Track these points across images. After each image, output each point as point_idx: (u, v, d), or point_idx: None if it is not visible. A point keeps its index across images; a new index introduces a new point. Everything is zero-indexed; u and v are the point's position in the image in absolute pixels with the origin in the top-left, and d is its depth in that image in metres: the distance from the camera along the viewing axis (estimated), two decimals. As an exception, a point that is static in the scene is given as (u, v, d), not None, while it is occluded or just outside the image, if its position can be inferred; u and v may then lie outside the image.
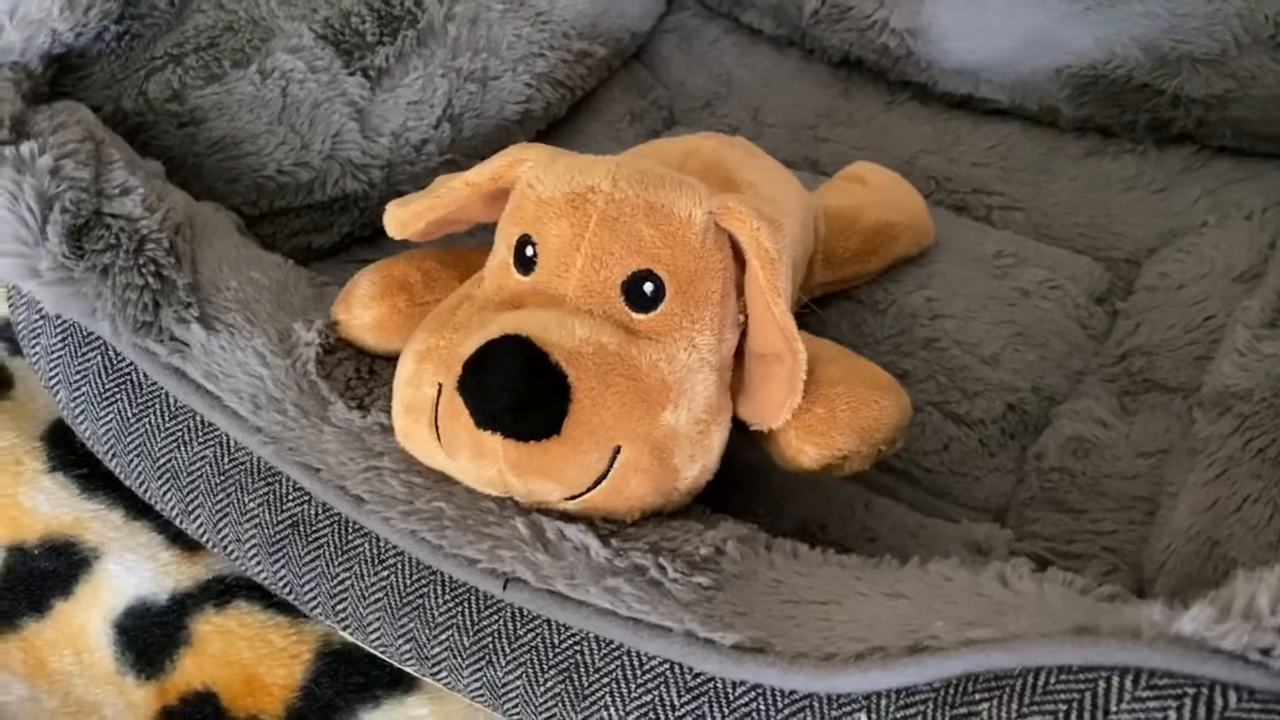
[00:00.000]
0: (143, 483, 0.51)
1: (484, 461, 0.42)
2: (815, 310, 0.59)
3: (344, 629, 0.47)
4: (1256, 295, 0.52)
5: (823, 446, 0.45)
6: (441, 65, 0.64)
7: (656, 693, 0.39)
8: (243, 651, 0.52)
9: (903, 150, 0.73)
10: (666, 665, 0.40)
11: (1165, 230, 0.65)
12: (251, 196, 0.59)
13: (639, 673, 0.40)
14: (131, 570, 0.55)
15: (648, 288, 0.43)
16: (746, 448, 0.48)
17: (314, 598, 0.47)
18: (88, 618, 0.54)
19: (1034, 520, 0.52)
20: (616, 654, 0.40)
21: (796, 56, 0.80)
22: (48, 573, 0.56)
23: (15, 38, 0.50)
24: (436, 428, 0.43)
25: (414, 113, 0.63)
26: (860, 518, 0.52)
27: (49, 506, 0.57)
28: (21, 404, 0.62)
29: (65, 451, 0.59)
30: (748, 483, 0.51)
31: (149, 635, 0.53)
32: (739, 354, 0.47)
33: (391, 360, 0.48)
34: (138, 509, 0.57)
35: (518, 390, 0.40)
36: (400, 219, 0.49)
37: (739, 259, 0.45)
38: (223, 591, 0.54)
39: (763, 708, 0.37)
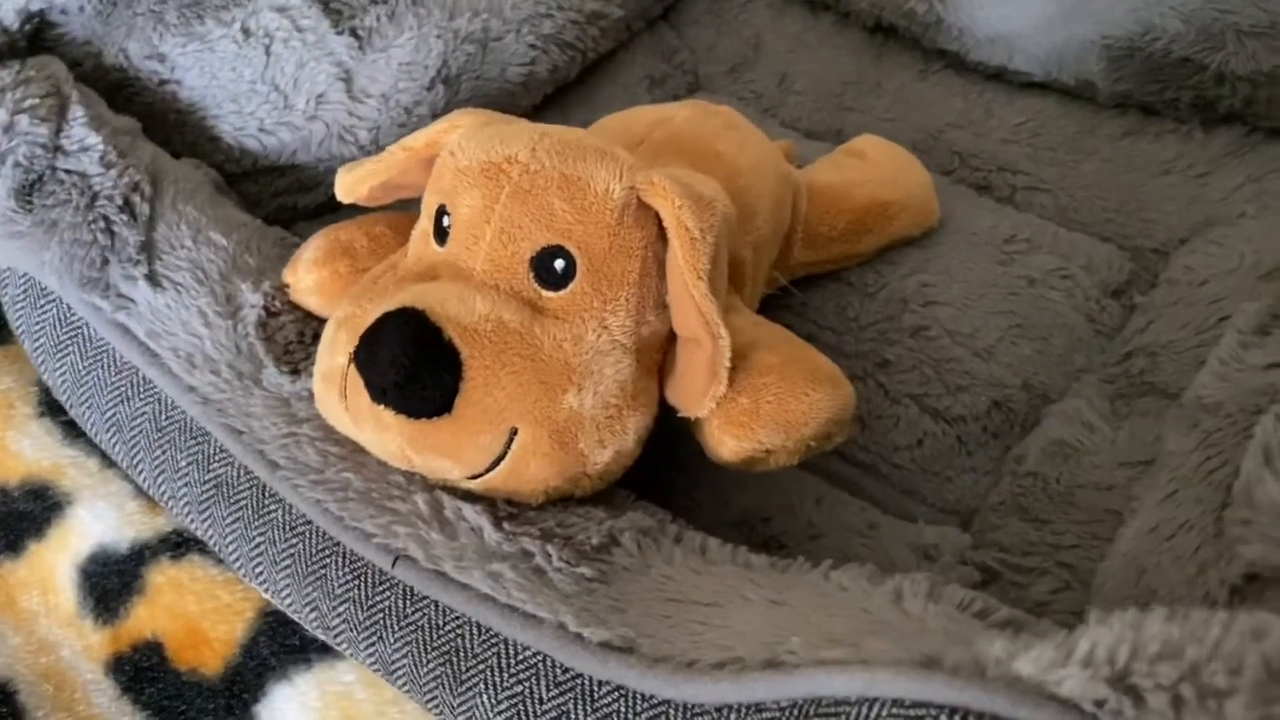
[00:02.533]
0: (95, 434, 0.52)
1: (385, 435, 0.41)
2: (794, 291, 0.56)
3: (262, 590, 0.47)
4: (1262, 297, 0.47)
5: (742, 439, 0.43)
6: (437, 25, 0.63)
7: (527, 685, 0.38)
8: (190, 605, 0.53)
9: (929, 122, 0.69)
10: (539, 657, 0.38)
11: (1200, 219, 0.60)
12: (233, 154, 0.59)
13: (512, 663, 0.39)
14: (99, 517, 0.57)
15: (558, 264, 0.41)
16: (692, 433, 0.46)
17: (236, 558, 0.47)
18: (56, 560, 0.56)
19: (997, 527, 0.49)
20: (494, 642, 0.39)
21: (830, 21, 0.76)
22: (25, 514, 0.58)
23: (-10, -7, 0.51)
24: (346, 397, 0.42)
25: (405, 74, 0.62)
26: (807, 513, 0.49)
27: (32, 450, 0.59)
28: (23, 349, 0.64)
29: (54, 397, 0.61)
30: (693, 468, 0.49)
31: (108, 582, 0.55)
32: (674, 336, 0.45)
33: (337, 325, 0.48)
34: (112, 458, 0.58)
35: (405, 365, 0.39)
36: (346, 183, 0.49)
37: (667, 237, 0.43)
38: (179, 544, 0.55)
39: (624, 710, 0.36)
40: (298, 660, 0.51)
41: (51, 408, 0.61)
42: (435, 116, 0.64)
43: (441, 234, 0.43)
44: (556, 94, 0.71)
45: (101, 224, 0.49)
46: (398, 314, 0.40)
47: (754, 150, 0.53)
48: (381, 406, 0.40)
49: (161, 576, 0.54)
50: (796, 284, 0.57)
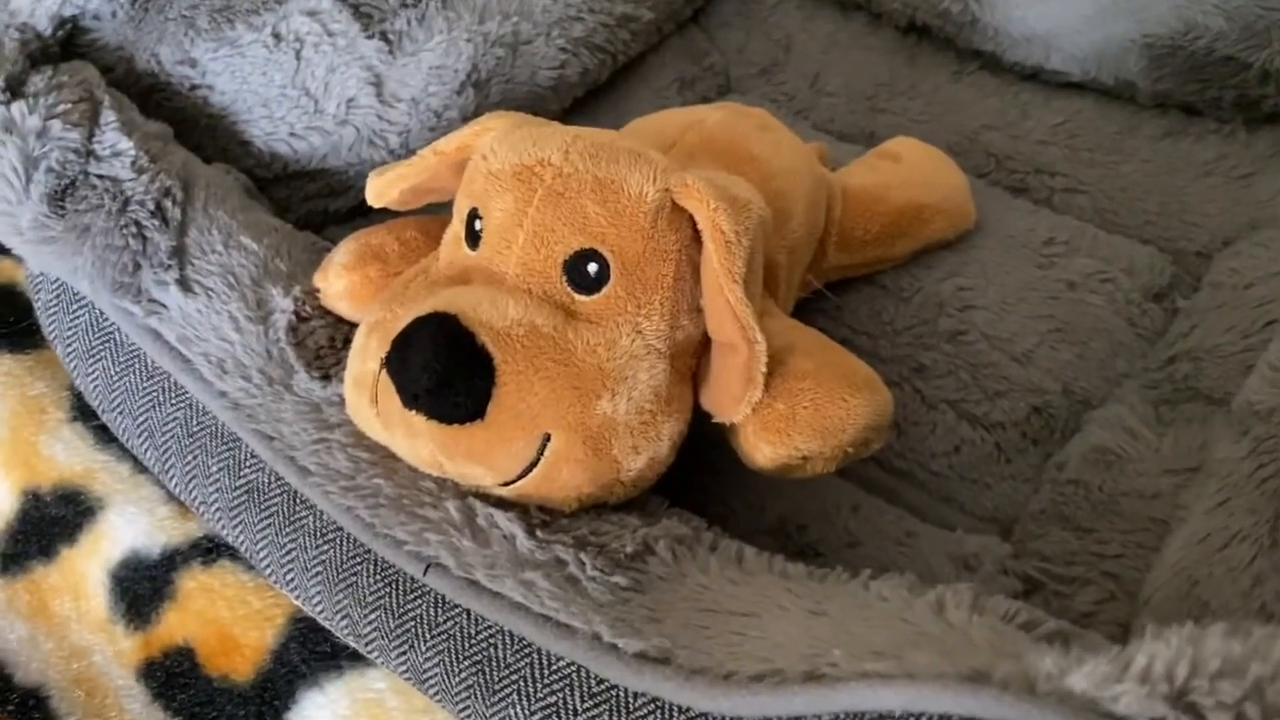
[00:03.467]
0: (127, 439, 0.52)
1: (417, 441, 0.41)
2: (829, 295, 0.55)
3: (294, 597, 0.47)
4: (1313, 300, 0.46)
5: (778, 445, 0.42)
6: (467, 29, 0.63)
7: (560, 695, 0.37)
8: (221, 610, 0.53)
9: (965, 124, 0.68)
10: (573, 668, 0.38)
11: (1244, 221, 0.59)
12: (264, 159, 0.59)
13: (546, 673, 0.38)
14: (131, 522, 0.56)
15: (591, 268, 0.41)
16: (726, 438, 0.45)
17: (267, 565, 0.47)
18: (88, 566, 0.56)
19: (1039, 536, 0.48)
20: (527, 651, 0.39)
21: (862, 21, 0.75)
22: (57, 519, 0.58)
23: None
24: (377, 403, 0.42)
25: (435, 78, 0.62)
26: (844, 521, 0.49)
27: (64, 455, 0.59)
28: (56, 355, 0.64)
29: (87, 402, 0.61)
30: (730, 475, 0.49)
31: (139, 587, 0.55)
32: (710, 341, 0.44)
33: (369, 330, 0.47)
34: (143, 463, 0.58)
35: (436, 371, 0.39)
36: (377, 187, 0.49)
37: (701, 240, 0.42)
38: (210, 550, 0.55)
39: (660, 722, 0.35)
40: (329, 667, 0.51)
41: (84, 412, 0.61)
42: (465, 120, 0.64)
43: (474, 238, 0.43)
44: (586, 97, 0.70)
45: (133, 229, 0.49)
46: (430, 318, 0.39)
47: (788, 153, 0.53)
48: (413, 412, 0.40)
49: (193, 582, 0.54)
50: (830, 287, 0.56)
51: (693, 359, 0.44)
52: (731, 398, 0.42)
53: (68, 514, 0.58)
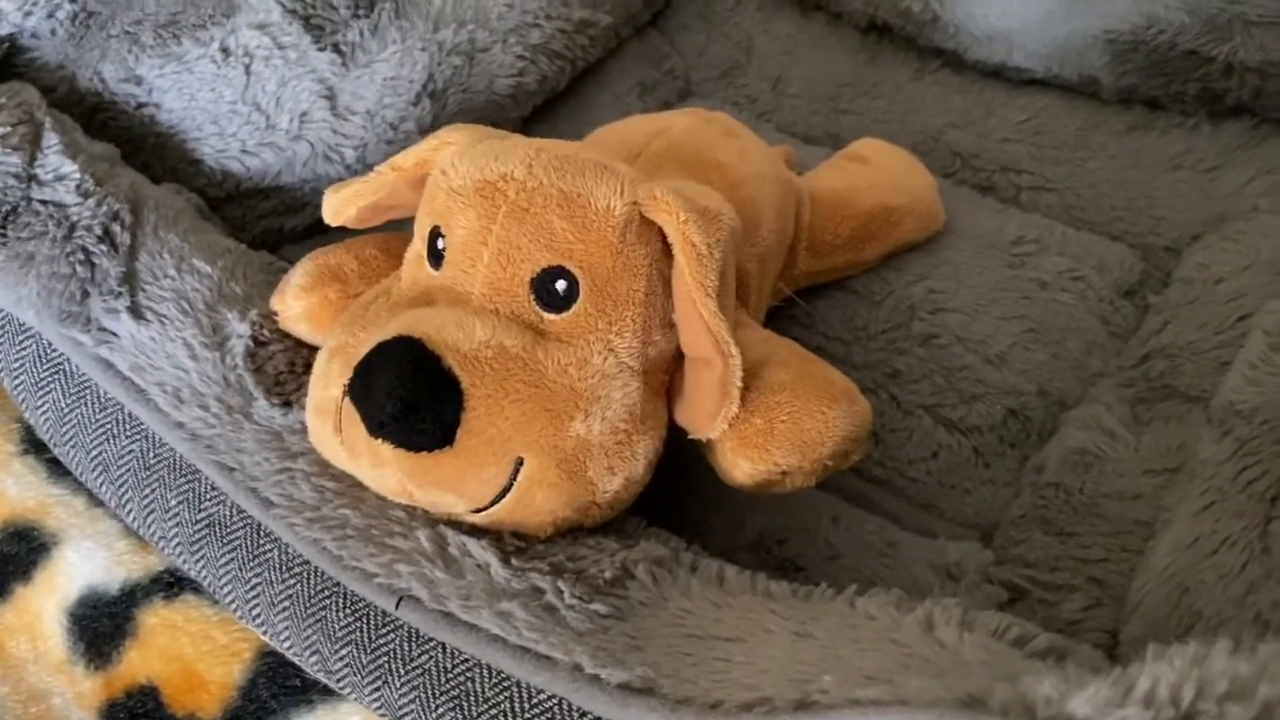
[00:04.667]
0: (80, 473, 0.50)
1: (384, 470, 0.39)
2: (799, 302, 0.54)
3: (261, 633, 0.45)
4: (1287, 295, 0.46)
5: (757, 461, 0.41)
6: (421, 38, 0.61)
7: (542, 729, 0.36)
8: (185, 647, 0.51)
9: (928, 124, 0.67)
10: (554, 701, 0.37)
11: (1212, 215, 0.58)
12: (216, 178, 0.57)
13: (526, 706, 0.37)
14: (87, 558, 0.54)
15: (560, 285, 0.40)
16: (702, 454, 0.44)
17: (231, 600, 0.45)
18: (44, 605, 0.54)
19: (1020, 541, 0.47)
20: (506, 685, 0.38)
21: (822, 22, 0.74)
22: (10, 557, 0.55)
23: (-43, 18, 0.49)
24: (341, 431, 0.41)
25: (390, 89, 0.60)
26: (824, 533, 0.48)
27: (16, 490, 0.57)
28: (2, 387, 0.62)
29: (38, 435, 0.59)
30: (706, 491, 0.47)
31: (99, 625, 0.53)
32: (682, 356, 0.43)
33: (328, 354, 0.46)
34: (99, 498, 0.56)
35: (402, 397, 0.37)
36: (333, 205, 0.47)
37: (671, 253, 0.41)
38: (172, 584, 0.53)
39: (646, 754, 0.34)
40: (299, 702, 0.49)
41: (35, 445, 0.59)
42: (423, 132, 0.63)
43: (436, 256, 0.42)
44: (546, 105, 0.69)
45: (80, 255, 0.47)
46: (394, 342, 0.38)
47: (755, 158, 0.52)
48: (379, 440, 0.38)
49: (155, 618, 0.52)
50: (801, 294, 0.55)
51: (666, 375, 0.43)
52: (707, 414, 0.41)
53: (20, 551, 0.56)
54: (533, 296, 0.40)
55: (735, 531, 0.48)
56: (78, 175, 0.48)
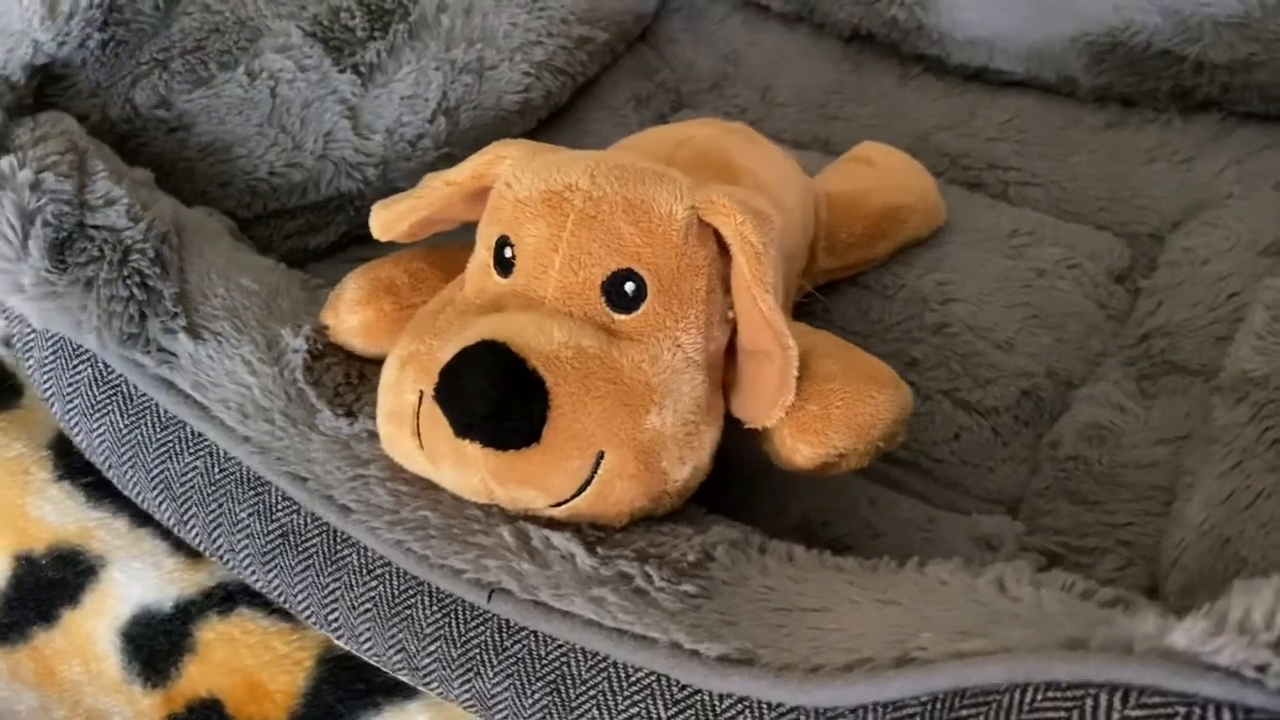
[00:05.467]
0: (139, 493, 0.50)
1: (466, 470, 0.41)
2: (820, 298, 0.57)
3: (337, 638, 0.46)
4: (1277, 271, 0.49)
5: (817, 445, 0.43)
6: (435, 58, 0.63)
7: (643, 705, 0.38)
8: (246, 659, 0.52)
9: (916, 126, 0.71)
10: (653, 677, 0.39)
11: (1190, 202, 0.63)
12: (245, 199, 0.58)
13: (625, 685, 0.39)
14: (136, 578, 0.55)
15: (629, 287, 0.42)
16: (747, 443, 0.47)
17: (307, 607, 0.46)
18: (95, 627, 0.55)
19: (1047, 512, 0.50)
20: (603, 666, 0.39)
21: (806, 33, 0.77)
22: (55, 582, 0.56)
23: (-3, 50, 0.50)
24: (419, 435, 0.42)
25: (408, 108, 0.62)
26: (864, 514, 0.50)
27: (56, 516, 0.57)
28: (30, 412, 0.62)
29: (72, 460, 0.59)
30: (749, 478, 0.50)
31: (154, 643, 0.53)
32: (731, 350, 0.45)
33: (382, 365, 0.47)
34: (142, 517, 0.56)
35: (493, 398, 0.39)
36: (384, 220, 0.48)
37: (726, 253, 0.44)
38: (226, 598, 0.54)
39: (750, 721, 0.36)
40: (365, 705, 0.50)
41: (70, 470, 0.59)
42: (439, 149, 0.65)
43: (504, 264, 0.43)
44: (550, 119, 0.71)
45: (136, 278, 0.48)
46: (479, 347, 0.40)
47: (776, 163, 0.54)
48: (466, 441, 0.40)
49: (211, 633, 0.53)
50: (818, 290, 0.58)
51: (720, 369, 0.45)
52: (767, 403, 0.43)
53: (66, 575, 0.56)
54: (604, 299, 0.42)
55: (779, 516, 0.51)
56: (127, 200, 0.49)
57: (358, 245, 0.64)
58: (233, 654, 0.53)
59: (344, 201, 0.62)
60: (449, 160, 0.64)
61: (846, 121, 0.73)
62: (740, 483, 0.51)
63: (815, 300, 0.58)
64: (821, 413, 0.44)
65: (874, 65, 0.75)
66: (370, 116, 0.61)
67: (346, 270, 0.52)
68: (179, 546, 0.56)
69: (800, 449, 0.44)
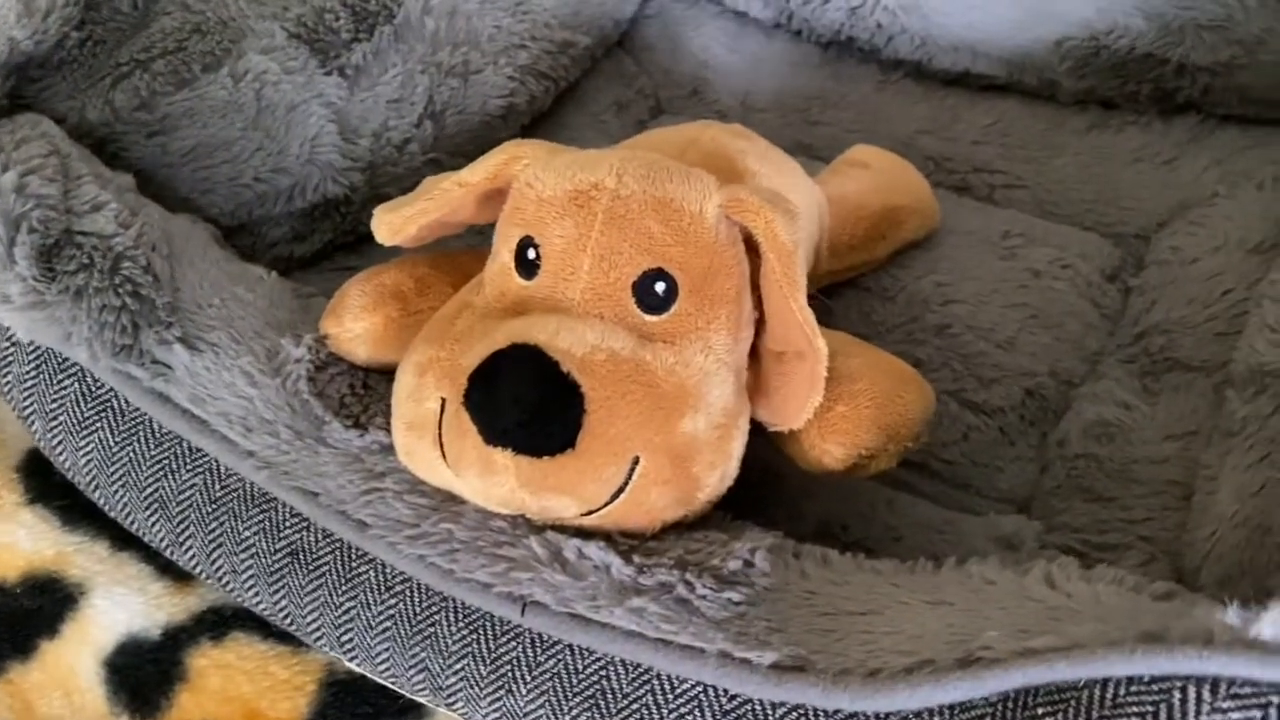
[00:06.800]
0: (129, 514, 0.48)
1: (494, 479, 0.39)
2: (824, 300, 0.57)
3: (350, 660, 0.44)
4: (1270, 269, 0.50)
5: (848, 446, 0.43)
6: (421, 60, 0.61)
7: (690, 717, 0.37)
8: (243, 685, 0.50)
9: (898, 131, 0.71)
10: (700, 688, 0.37)
11: (1175, 203, 0.63)
12: (228, 206, 0.56)
13: (670, 697, 0.38)
14: (120, 605, 0.52)
15: (659, 288, 0.41)
16: (759, 448, 0.46)
17: (318, 629, 0.44)
18: (77, 657, 0.52)
19: (1062, 510, 0.50)
20: (645, 678, 0.38)
21: (785, 39, 0.77)
22: (31, 612, 0.53)
23: (-30, 48, 0.47)
24: (441, 445, 0.41)
25: (394, 111, 0.60)
26: (882, 516, 0.50)
27: (29, 541, 0.54)
28: (-4, 435, 0.59)
29: (43, 482, 0.56)
30: (763, 484, 0.49)
31: (142, 673, 0.51)
32: (753, 353, 0.45)
33: (387, 374, 0.46)
34: (123, 539, 0.54)
35: (529, 403, 0.38)
36: (391, 224, 0.47)
37: (751, 252, 0.43)
38: (218, 623, 0.52)
39: (806, 729, 0.35)
40: (374, 729, 0.49)
41: (43, 493, 0.56)
42: (425, 153, 0.63)
43: (528, 266, 0.42)
44: (532, 124, 0.70)
45: (128, 287, 0.45)
46: (511, 350, 0.38)
47: (781, 165, 0.54)
48: (497, 448, 0.38)
49: (204, 660, 0.51)
50: (820, 293, 0.57)
51: (745, 372, 0.44)
52: (796, 405, 0.42)
53: (43, 604, 0.53)
54: (634, 300, 0.41)
55: (796, 521, 0.50)
56: (114, 205, 0.47)
57: (343, 253, 0.62)
58: (228, 681, 0.50)
59: (330, 208, 0.59)
60: (435, 165, 0.63)
61: (829, 126, 0.72)
62: (752, 491, 0.50)
63: (820, 303, 0.57)
64: (851, 413, 0.43)
65: (853, 71, 0.75)
66: (357, 120, 0.59)
67: (335, 279, 0.50)
68: (165, 570, 0.53)
69: (831, 450, 0.43)
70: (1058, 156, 0.67)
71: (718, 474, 0.42)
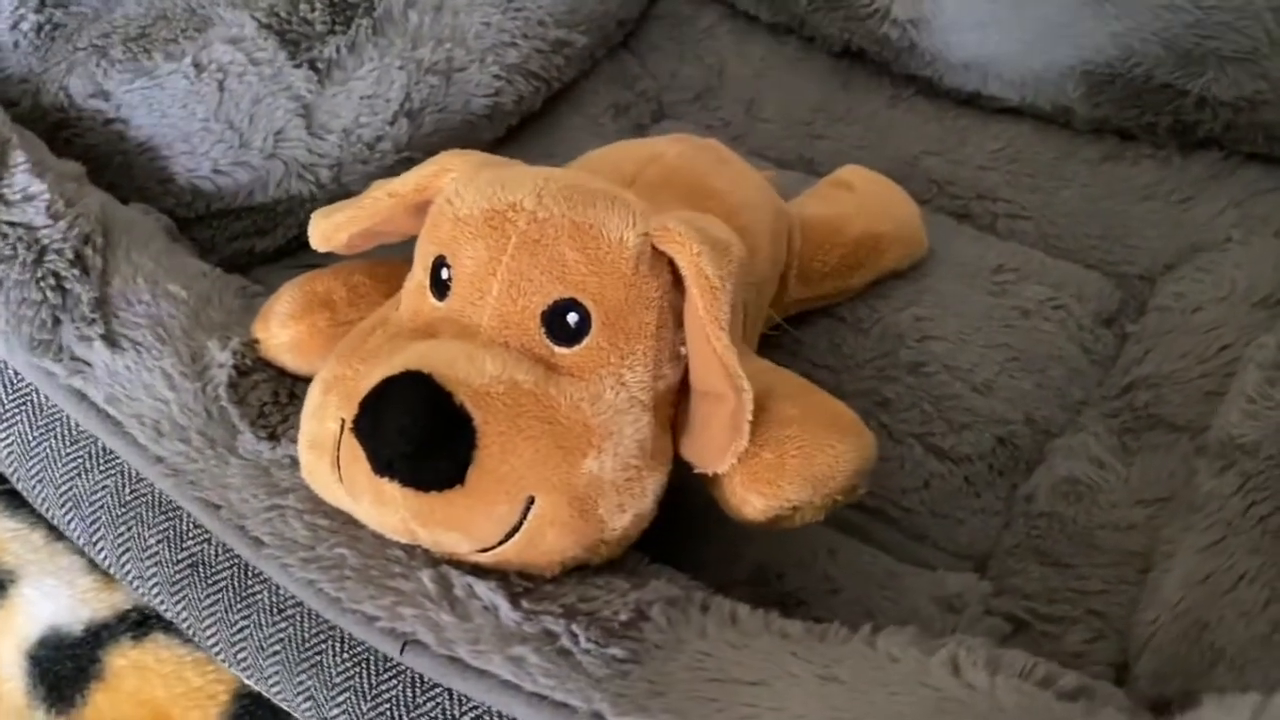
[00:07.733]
0: (48, 509, 0.47)
1: (386, 509, 0.38)
2: (789, 330, 0.54)
3: (247, 678, 0.43)
4: (1276, 330, 0.46)
5: (769, 497, 0.40)
6: (399, 56, 0.60)
7: (561, 778, 0.35)
8: (157, 689, 0.49)
9: (904, 150, 0.67)
10: (572, 748, 0.35)
11: (1185, 245, 0.59)
12: (186, 198, 0.55)
13: (543, 755, 0.36)
14: (48, 596, 0.52)
15: (571, 319, 0.39)
16: (699, 482, 0.43)
17: (216, 643, 0.43)
18: (2, 647, 0.51)
19: (1016, 572, 0.47)
20: (520, 732, 0.36)
21: (795, 46, 0.74)
22: (-39, 596, 0.53)
23: (-84, 29, 0.47)
24: (339, 467, 0.39)
25: (367, 108, 0.59)
26: (822, 565, 0.47)
27: (-34, 524, 0.54)
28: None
29: (-3, 469, 0.56)
30: (700, 522, 0.47)
31: (61, 668, 0.50)
32: (683, 388, 0.42)
33: (315, 384, 0.44)
34: (59, 530, 0.53)
35: (413, 435, 0.36)
36: (323, 230, 0.45)
37: (680, 285, 0.40)
38: (140, 622, 0.51)
39: (673, 804, 0.33)
40: (281, 747, 0.47)
41: (-15, 478, 0.56)
42: (399, 152, 0.61)
43: (440, 287, 0.40)
44: (521, 125, 0.68)
45: (52, 280, 0.45)
46: (403, 377, 0.37)
47: (749, 186, 0.51)
48: (385, 479, 0.37)
49: (123, 659, 0.50)
50: (789, 321, 0.55)
51: (671, 408, 0.42)
52: (718, 448, 0.40)
53: (-27, 589, 0.53)
54: (543, 330, 0.39)
55: (730, 565, 0.47)
56: (47, 195, 0.46)
57: (308, 250, 0.59)
58: (144, 684, 0.49)
59: (294, 204, 0.58)
60: (410, 164, 0.61)
61: (832, 141, 0.69)
62: (688, 528, 0.48)
63: (784, 332, 0.54)
64: (776, 461, 0.40)
65: (864, 84, 0.72)
66: (326, 116, 0.58)
67: (295, 276, 0.49)
68: (96, 564, 0.53)
69: (751, 500, 0.40)
70: (1066, 187, 0.63)
71: (628, 516, 0.40)
